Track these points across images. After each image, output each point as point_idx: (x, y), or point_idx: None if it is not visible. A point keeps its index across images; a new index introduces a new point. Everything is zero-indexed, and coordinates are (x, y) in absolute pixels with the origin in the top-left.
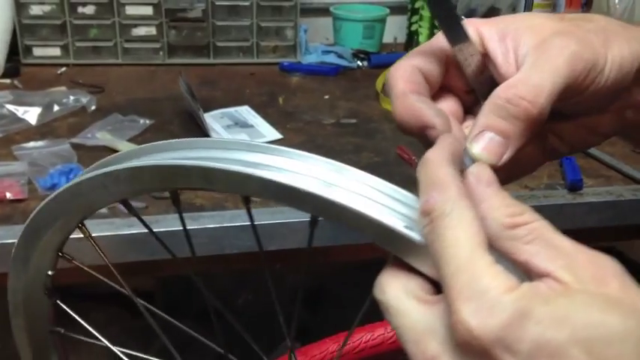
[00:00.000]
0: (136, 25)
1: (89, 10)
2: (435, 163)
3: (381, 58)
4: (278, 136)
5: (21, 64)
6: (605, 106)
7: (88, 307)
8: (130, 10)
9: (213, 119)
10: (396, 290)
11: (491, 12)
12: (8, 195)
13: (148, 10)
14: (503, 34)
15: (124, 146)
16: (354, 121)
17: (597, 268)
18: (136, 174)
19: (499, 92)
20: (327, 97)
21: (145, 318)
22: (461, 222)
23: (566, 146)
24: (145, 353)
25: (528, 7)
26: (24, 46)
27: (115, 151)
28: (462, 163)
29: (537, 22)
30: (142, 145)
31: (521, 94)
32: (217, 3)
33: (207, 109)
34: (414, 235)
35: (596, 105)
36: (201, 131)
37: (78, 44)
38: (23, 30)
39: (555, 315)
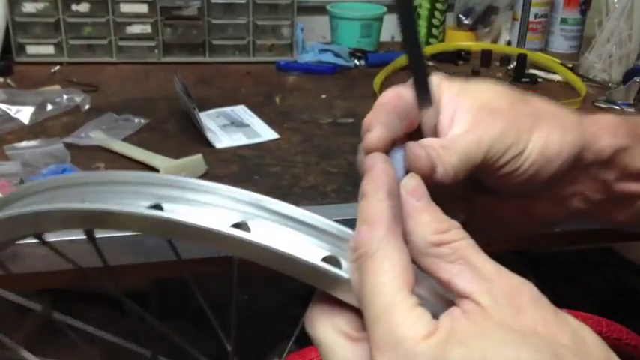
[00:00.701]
0: (130, 23)
1: (83, 7)
2: (371, 196)
3: (379, 57)
4: (275, 135)
5: (14, 62)
6: (539, 193)
7: (80, 310)
8: (125, 8)
9: (208, 119)
10: (324, 327)
11: (490, 10)
12: (0, 196)
13: (143, 8)
14: (452, 95)
15: (119, 146)
16: (351, 120)
17: (515, 293)
18: (41, 217)
19: (435, 143)
20: (324, 96)
21: (137, 320)
22: (385, 264)
23: (497, 223)
24: (143, 356)
25: (527, 5)
26: (17, 44)
27: (109, 150)
28: (397, 188)
29: (485, 95)
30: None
31: (443, 158)
32: (213, 1)
33: (202, 109)
34: (336, 271)
35: (523, 188)
36: (197, 131)
37: (72, 42)
38: (16, 28)
39: (471, 358)
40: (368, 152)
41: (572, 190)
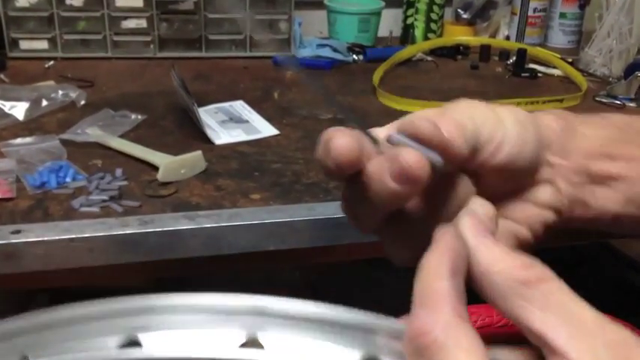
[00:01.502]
0: (125, 18)
1: (77, 2)
2: (432, 272)
3: (377, 52)
4: (274, 131)
5: (7, 57)
6: (520, 191)
7: None
8: (120, 2)
9: (207, 114)
10: None
11: (488, 5)
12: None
13: (138, 2)
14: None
15: (116, 142)
16: (351, 116)
17: (624, 351)
18: None
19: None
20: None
21: None
22: (461, 355)
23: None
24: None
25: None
26: (10, 39)
27: (107, 147)
28: (464, 265)
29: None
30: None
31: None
32: None
33: (200, 104)
34: None
35: (507, 176)
36: (195, 127)
37: (66, 37)
38: (9, 22)
39: None
40: (337, 156)
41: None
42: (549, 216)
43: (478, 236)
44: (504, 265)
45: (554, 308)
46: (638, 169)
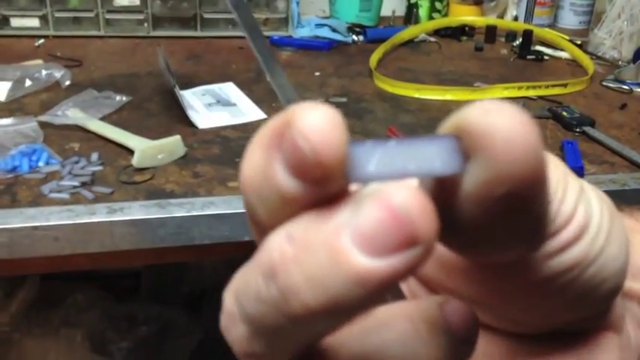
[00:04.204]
0: None
1: None
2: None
3: (378, 33)
4: (262, 115)
5: None
6: None
7: (67, 290)
8: None
9: (194, 96)
10: None
11: None
12: None
13: None
14: None
15: (95, 125)
16: (344, 99)
17: None
18: None
19: None
20: (317, 73)
21: (129, 302)
22: None
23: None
24: (127, 340)
25: None
26: (1, 17)
27: (86, 130)
28: None
29: None
30: None
31: None
32: None
33: (189, 86)
34: None
35: None
36: (181, 110)
37: (57, 15)
38: None
39: None
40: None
41: None
42: None
43: None
44: None
45: None
46: None
